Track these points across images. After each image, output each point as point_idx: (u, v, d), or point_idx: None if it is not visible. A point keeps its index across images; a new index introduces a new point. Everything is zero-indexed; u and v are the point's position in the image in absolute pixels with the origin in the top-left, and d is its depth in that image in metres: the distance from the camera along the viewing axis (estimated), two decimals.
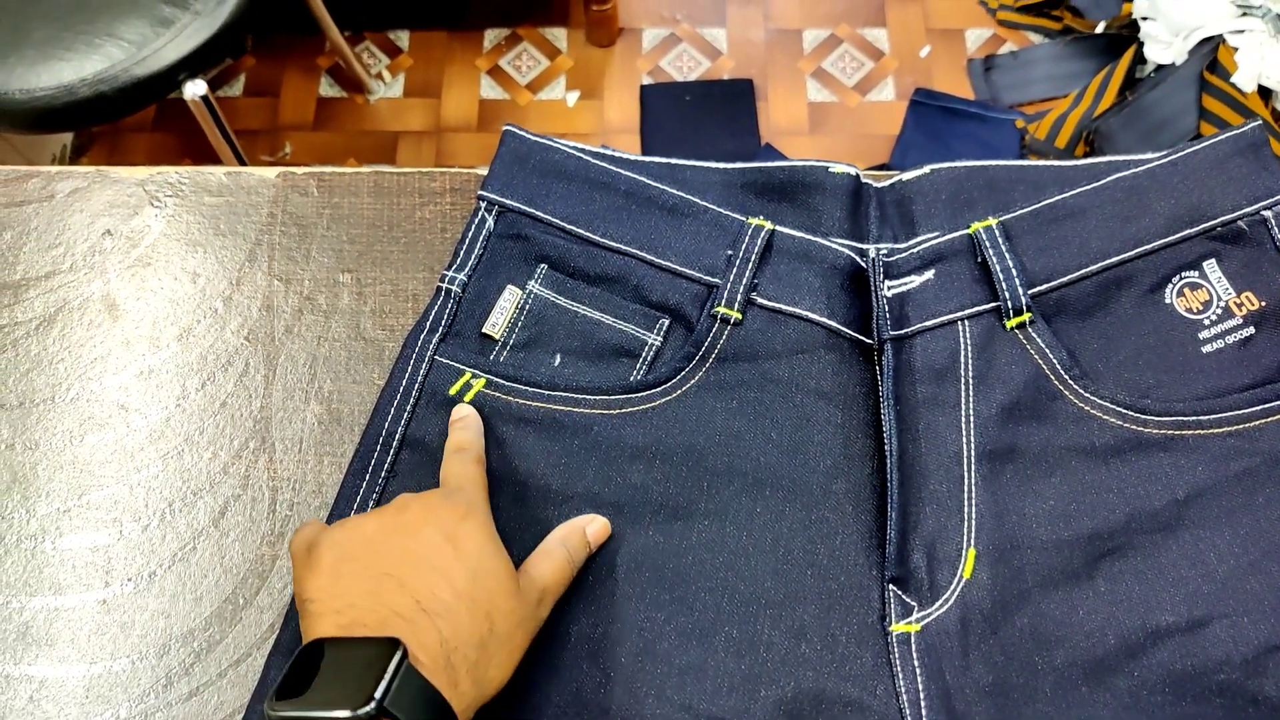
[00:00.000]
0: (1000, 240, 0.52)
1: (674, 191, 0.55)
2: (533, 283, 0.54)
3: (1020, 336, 0.51)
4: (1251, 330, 0.51)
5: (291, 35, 1.64)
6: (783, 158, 1.54)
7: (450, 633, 0.38)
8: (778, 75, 1.61)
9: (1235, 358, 0.50)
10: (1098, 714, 0.44)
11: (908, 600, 0.47)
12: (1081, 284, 0.52)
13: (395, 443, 0.49)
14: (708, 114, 1.57)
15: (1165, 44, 1.51)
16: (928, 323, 0.51)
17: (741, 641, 0.46)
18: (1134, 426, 0.49)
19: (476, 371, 0.51)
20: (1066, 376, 0.50)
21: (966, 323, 0.51)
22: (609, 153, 0.57)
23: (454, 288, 0.53)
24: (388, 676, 0.35)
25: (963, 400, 0.50)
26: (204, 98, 1.06)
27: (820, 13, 1.66)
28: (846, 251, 0.53)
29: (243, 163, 1.21)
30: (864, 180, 0.56)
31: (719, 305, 0.52)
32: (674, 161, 0.57)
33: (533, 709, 0.45)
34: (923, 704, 0.44)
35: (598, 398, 0.51)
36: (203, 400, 0.53)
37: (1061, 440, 0.49)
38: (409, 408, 0.50)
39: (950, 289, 0.52)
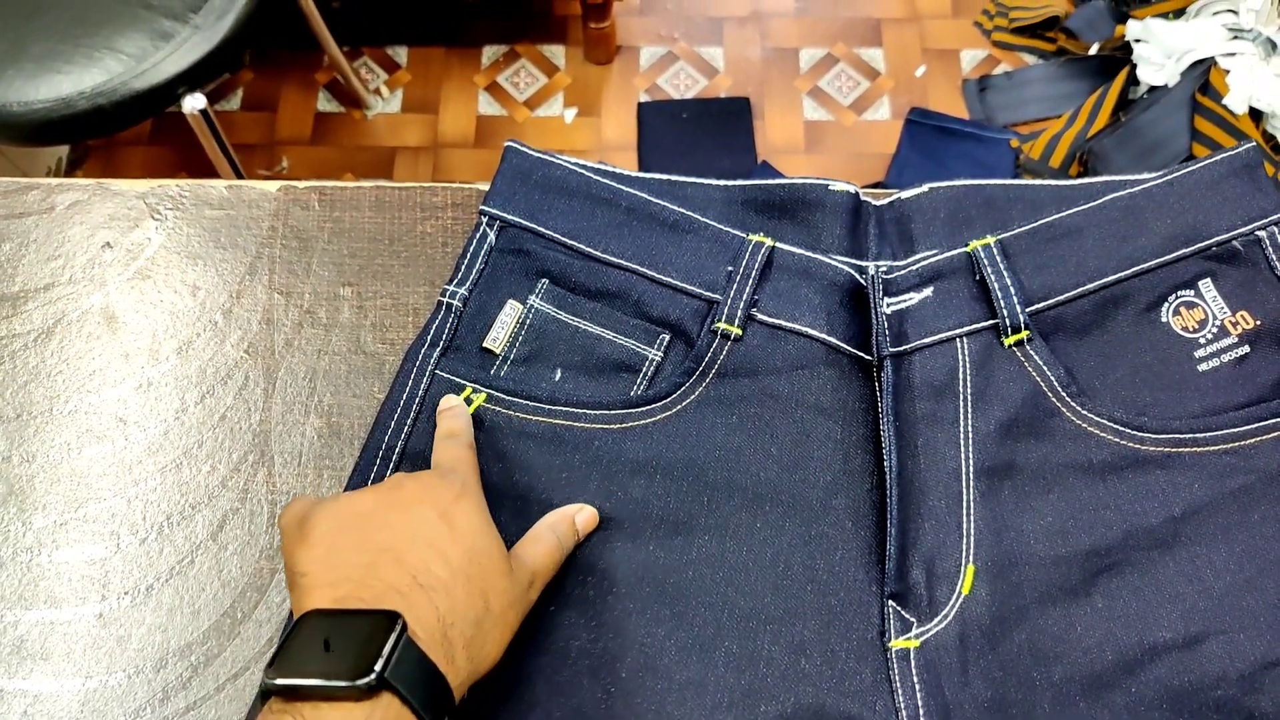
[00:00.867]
0: (998, 258, 0.52)
1: (675, 208, 0.55)
2: (534, 297, 0.54)
3: (1018, 354, 0.51)
4: (1247, 349, 0.51)
5: (290, 50, 1.64)
6: (779, 175, 1.55)
7: (446, 609, 0.39)
8: (774, 94, 1.62)
9: (1231, 376, 0.51)
10: None
11: (907, 616, 0.47)
12: (1079, 302, 0.52)
13: (395, 456, 0.49)
14: (704, 132, 1.57)
15: (1158, 66, 1.53)
16: (927, 340, 0.51)
17: (741, 657, 0.46)
18: (1131, 444, 0.49)
19: (477, 386, 0.51)
20: (1064, 394, 0.50)
21: (965, 340, 0.51)
22: (610, 169, 0.57)
23: (455, 302, 0.53)
24: (387, 648, 0.35)
25: (961, 417, 0.50)
26: (203, 111, 1.06)
27: (817, 32, 1.68)
28: (846, 268, 0.53)
29: (240, 177, 1.21)
30: (863, 198, 0.57)
31: (719, 321, 0.52)
32: (675, 178, 0.58)
33: None
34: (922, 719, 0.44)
35: (598, 412, 0.51)
36: (202, 413, 0.52)
37: (1059, 457, 0.49)
38: (409, 422, 0.50)
39: (949, 306, 0.52)
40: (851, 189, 0.56)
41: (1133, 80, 1.56)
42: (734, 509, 0.49)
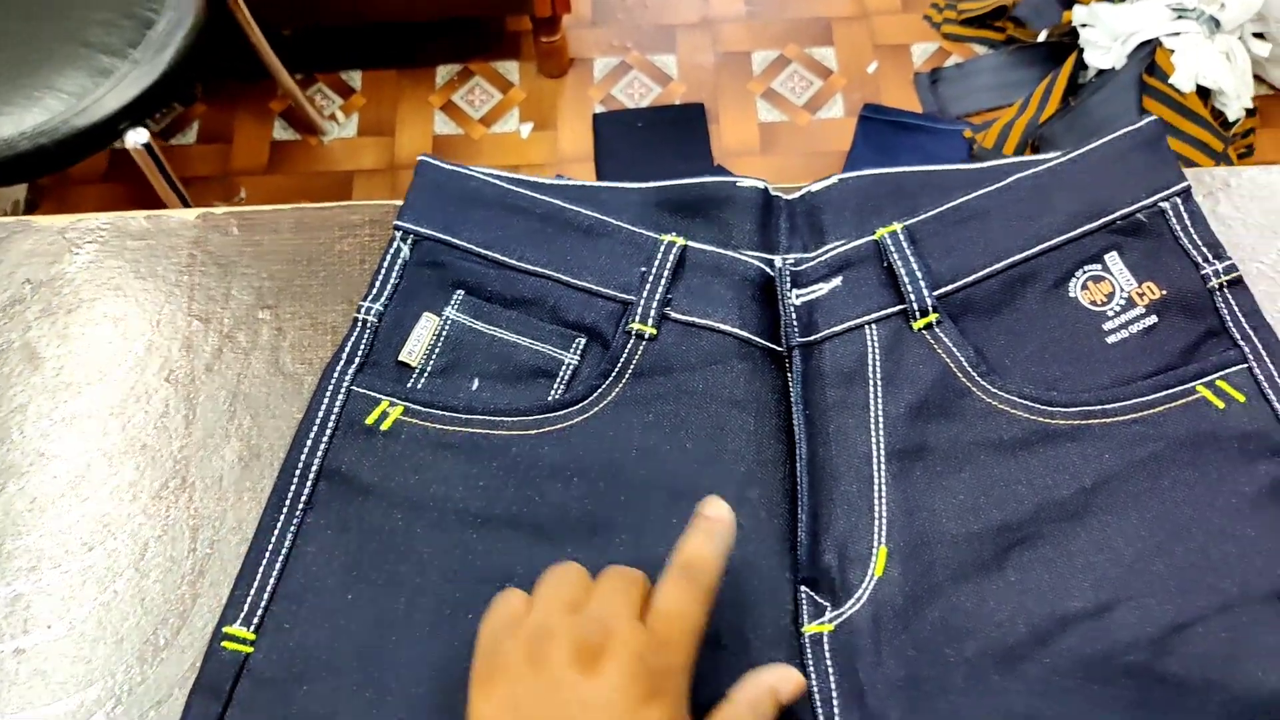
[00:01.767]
0: (904, 244, 0.53)
1: (589, 213, 0.56)
2: (449, 309, 0.54)
3: (928, 337, 0.51)
4: (1154, 319, 0.51)
5: (243, 81, 1.65)
6: None
7: None
8: (728, 98, 1.63)
9: (1139, 346, 0.51)
10: (1009, 701, 0.44)
11: (820, 601, 0.47)
12: (987, 283, 0.53)
13: (312, 474, 0.50)
14: (660, 139, 1.58)
15: (1105, 49, 1.54)
16: (836, 328, 0.52)
17: None
18: (1041, 419, 0.49)
19: (393, 399, 0.52)
20: (974, 373, 0.51)
21: (874, 326, 0.52)
22: (526, 178, 0.58)
23: (370, 318, 0.53)
24: None
25: (871, 402, 0.50)
26: (146, 145, 1.06)
27: (768, 34, 1.69)
28: (756, 263, 0.54)
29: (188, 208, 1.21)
30: (774, 193, 0.57)
31: (634, 321, 0.53)
32: (591, 184, 0.58)
33: None
34: (835, 702, 0.44)
35: (516, 419, 0.51)
36: (123, 443, 0.53)
37: (970, 436, 0.50)
38: (325, 438, 0.50)
39: (858, 294, 0.53)
40: (760, 185, 0.56)
41: (1081, 65, 1.57)
42: (651, 507, 0.50)
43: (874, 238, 0.53)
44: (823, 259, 0.53)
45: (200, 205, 0.62)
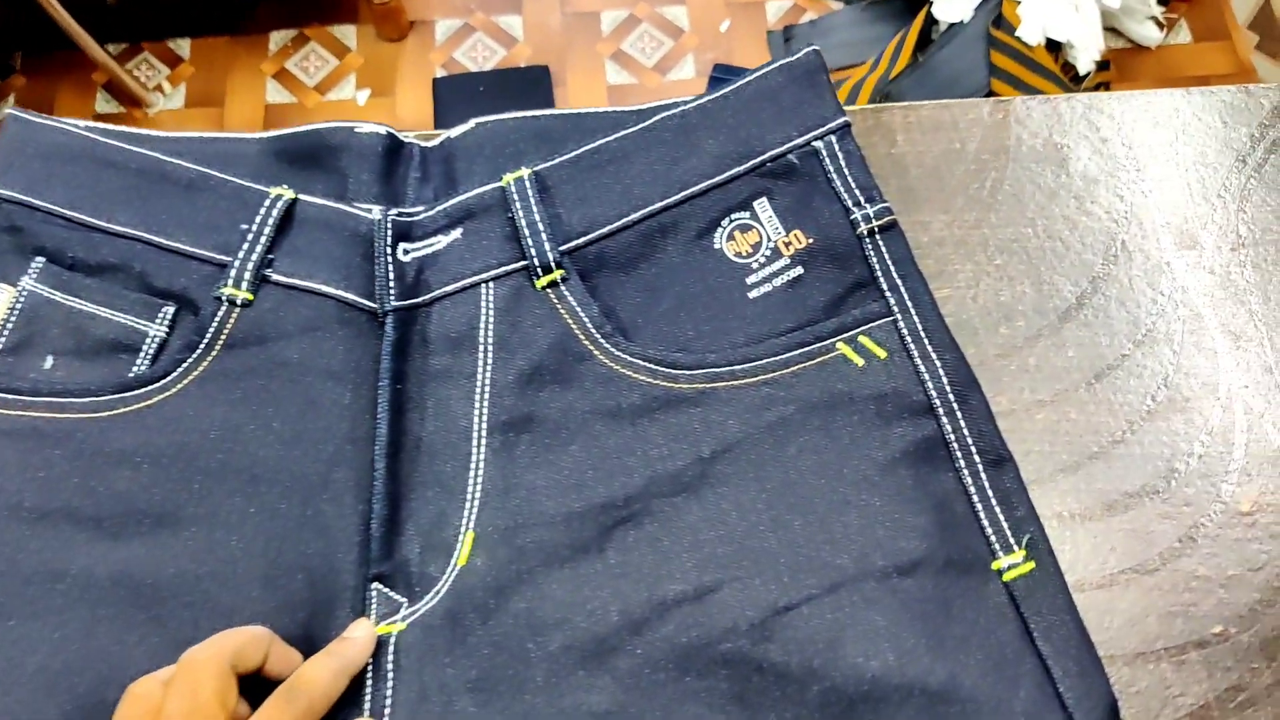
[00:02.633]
0: (530, 192, 0.47)
1: (192, 166, 0.50)
2: (27, 279, 0.48)
3: (551, 296, 0.46)
4: (800, 270, 0.47)
5: (64, 50, 1.55)
6: None
7: None
8: (576, 60, 1.57)
9: (781, 301, 0.46)
10: (592, 699, 0.39)
11: (396, 597, 0.42)
12: (623, 234, 0.48)
13: None
14: (503, 104, 1.51)
15: (953, 2, 1.50)
16: (448, 288, 0.46)
17: None
18: (664, 383, 0.45)
19: None
20: (597, 334, 0.45)
21: (491, 285, 0.47)
22: (128, 130, 0.52)
23: None
24: None
25: (480, 369, 0.45)
26: None
27: None
28: (371, 217, 0.48)
29: None
30: (410, 141, 0.52)
31: (226, 285, 0.47)
32: (206, 135, 0.52)
33: None
34: (387, 712, 0.39)
35: (86, 400, 0.45)
36: None
37: (585, 404, 0.45)
38: None
39: (477, 249, 0.47)
40: (381, 130, 0.50)
41: (932, 19, 1.52)
42: (226, 494, 0.44)
43: (500, 184, 0.48)
44: (441, 209, 0.48)
45: None
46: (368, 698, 0.40)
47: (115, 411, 0.45)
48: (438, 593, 0.42)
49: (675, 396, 0.44)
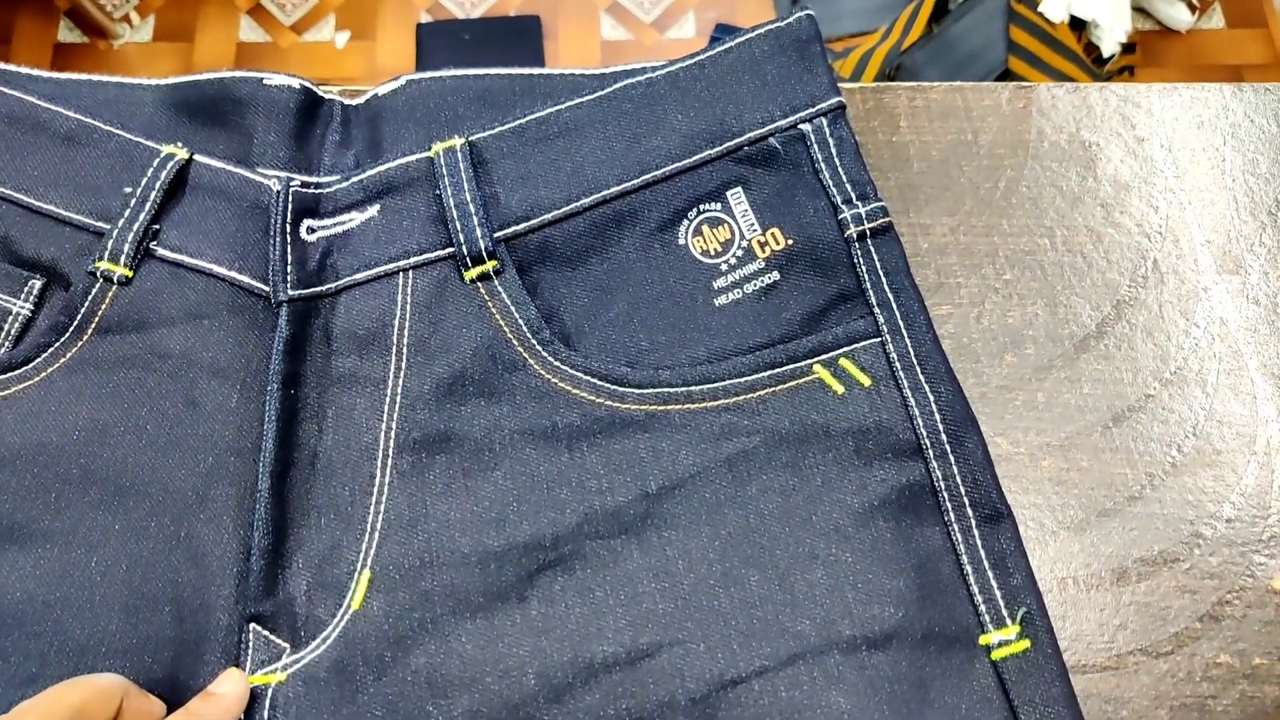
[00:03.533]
0: (463, 166, 0.40)
1: (74, 115, 0.42)
2: None
3: (482, 291, 0.39)
4: (776, 276, 0.40)
5: None
6: None
7: None
8: (569, 11, 1.47)
9: (752, 311, 0.39)
10: None
11: (278, 641, 0.35)
12: (571, 222, 0.41)
13: None
14: (489, 55, 1.43)
15: None
16: (358, 275, 0.39)
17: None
18: (609, 402, 0.38)
19: None
20: (533, 340, 0.39)
21: (410, 275, 0.40)
22: (8, 68, 0.44)
23: None
24: None
25: (391, 376, 0.38)
26: None
27: None
28: (277, 186, 0.41)
29: None
30: (331, 98, 0.44)
31: (101, 259, 0.40)
32: (98, 78, 0.45)
33: None
34: None
35: None
36: None
37: (514, 422, 0.38)
38: None
39: (396, 231, 0.40)
40: (295, 83, 0.43)
41: None
42: (88, 507, 0.37)
43: (429, 155, 0.41)
44: (356, 181, 0.41)
45: None
46: None
47: None
48: (325, 639, 0.35)
49: (621, 419, 0.38)
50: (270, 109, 0.43)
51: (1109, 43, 1.41)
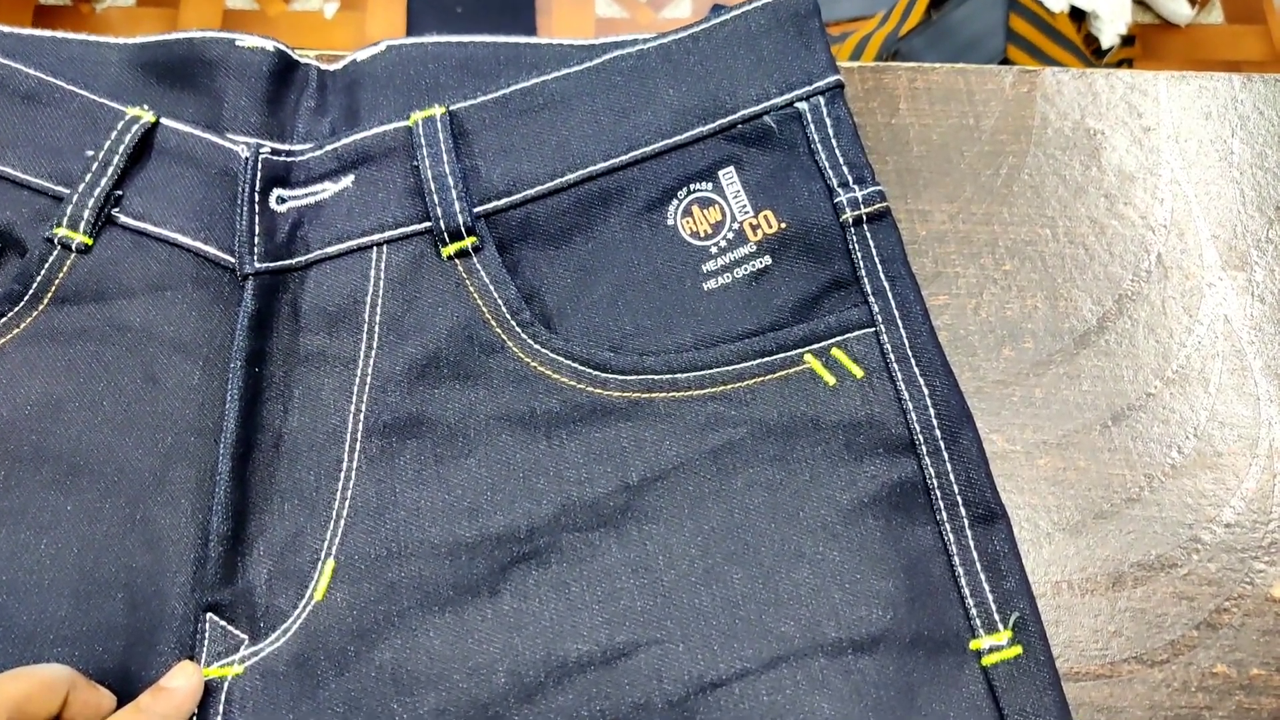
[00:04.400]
0: (443, 136, 0.38)
1: (35, 73, 0.40)
2: None
3: (459, 268, 0.38)
4: (768, 260, 0.38)
5: None
6: None
7: None
8: None
9: (742, 297, 0.38)
10: None
11: (235, 632, 0.34)
12: (555, 198, 0.39)
13: None
14: (480, 28, 1.40)
15: None
16: (329, 249, 0.38)
17: None
18: (590, 388, 0.36)
19: None
20: (512, 321, 0.37)
21: (385, 249, 0.38)
22: None
23: None
24: None
25: (361, 355, 0.37)
26: None
27: None
28: (246, 153, 0.39)
29: None
30: (307, 62, 0.42)
31: (60, 225, 0.38)
32: (60, 35, 0.43)
33: None
34: None
35: None
36: None
37: (491, 407, 0.36)
38: None
39: (371, 203, 0.38)
40: (269, 46, 0.41)
41: None
42: (39, 487, 0.36)
43: (407, 124, 0.39)
44: (330, 149, 0.39)
45: None
46: None
47: None
48: (286, 631, 0.34)
49: (602, 406, 0.36)
50: (242, 72, 0.40)
51: (1109, 34, 1.39)
